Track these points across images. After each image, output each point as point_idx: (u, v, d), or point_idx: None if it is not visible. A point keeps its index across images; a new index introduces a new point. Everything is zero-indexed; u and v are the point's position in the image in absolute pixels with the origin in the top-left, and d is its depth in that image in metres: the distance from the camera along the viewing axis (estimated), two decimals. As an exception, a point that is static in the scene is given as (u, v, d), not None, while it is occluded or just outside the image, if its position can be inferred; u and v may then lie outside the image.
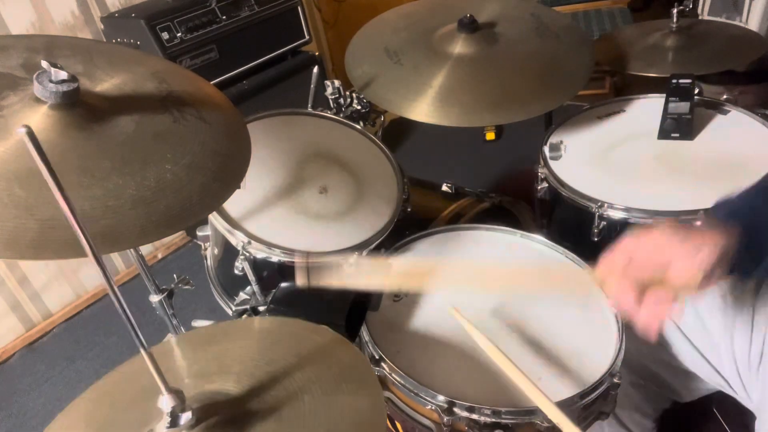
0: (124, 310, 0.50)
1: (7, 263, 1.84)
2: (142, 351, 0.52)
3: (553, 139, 1.23)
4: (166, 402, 0.54)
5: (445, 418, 0.75)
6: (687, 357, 0.91)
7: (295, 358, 0.66)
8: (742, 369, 0.83)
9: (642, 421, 1.08)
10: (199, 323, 1.49)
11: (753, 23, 2.04)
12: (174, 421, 0.54)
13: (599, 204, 1.04)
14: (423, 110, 1.12)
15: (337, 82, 1.28)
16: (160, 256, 2.25)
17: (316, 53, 2.20)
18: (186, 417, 0.55)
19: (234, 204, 1.02)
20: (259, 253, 0.98)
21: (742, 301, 0.83)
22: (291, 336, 0.71)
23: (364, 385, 0.63)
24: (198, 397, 0.60)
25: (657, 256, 0.64)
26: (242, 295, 1.11)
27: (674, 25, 1.40)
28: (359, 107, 1.31)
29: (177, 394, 0.55)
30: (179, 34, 1.77)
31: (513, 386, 0.71)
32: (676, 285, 0.64)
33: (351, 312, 0.85)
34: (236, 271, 0.99)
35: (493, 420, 0.74)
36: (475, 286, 0.90)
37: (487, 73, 1.17)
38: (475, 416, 0.75)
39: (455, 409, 0.75)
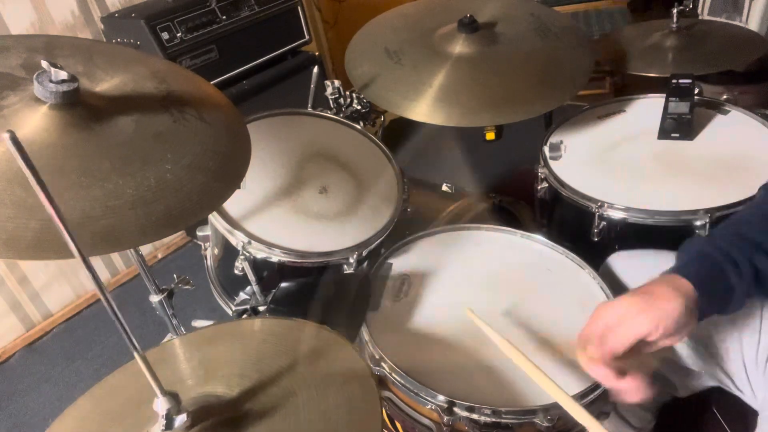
0: (114, 310, 0.49)
1: (7, 263, 1.84)
2: (135, 354, 0.52)
3: (553, 139, 1.23)
4: (160, 404, 0.54)
5: (445, 418, 0.75)
6: (692, 354, 0.90)
7: (286, 356, 0.66)
8: (750, 369, 0.83)
9: (641, 413, 1.08)
10: (199, 323, 1.49)
11: (753, 23, 2.04)
12: (169, 424, 0.54)
13: (599, 204, 1.04)
14: (423, 110, 1.12)
15: (337, 82, 1.28)
16: (160, 256, 2.25)
17: (316, 53, 2.20)
18: (181, 419, 0.55)
19: (234, 204, 1.02)
20: (259, 253, 0.98)
21: (751, 303, 0.82)
22: (280, 335, 0.72)
23: (355, 377, 0.63)
24: (193, 399, 0.60)
25: (622, 333, 0.65)
26: (242, 295, 1.11)
27: (674, 25, 1.40)
28: (359, 107, 1.32)
29: (172, 396, 0.54)
30: (179, 34, 1.77)
31: (532, 387, 0.70)
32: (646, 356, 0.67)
33: (351, 312, 0.85)
34: (236, 271, 0.99)
35: (493, 420, 0.74)
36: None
37: (487, 73, 1.17)
38: (475, 416, 0.75)
39: (455, 409, 0.75)
